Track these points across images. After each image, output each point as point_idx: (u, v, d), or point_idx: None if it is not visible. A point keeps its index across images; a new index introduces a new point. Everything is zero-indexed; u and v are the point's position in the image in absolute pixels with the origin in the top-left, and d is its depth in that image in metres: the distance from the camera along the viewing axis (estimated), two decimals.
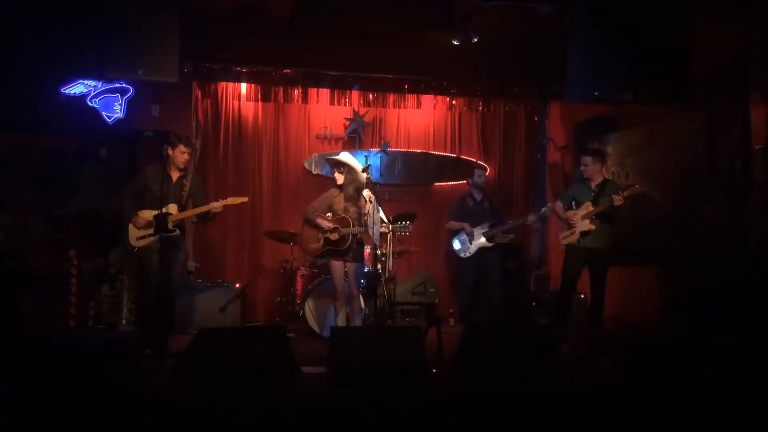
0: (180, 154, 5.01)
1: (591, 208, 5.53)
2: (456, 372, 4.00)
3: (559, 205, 5.88)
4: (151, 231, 4.88)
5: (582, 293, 6.30)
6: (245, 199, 5.29)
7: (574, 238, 5.57)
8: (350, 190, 5.37)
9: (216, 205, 5.01)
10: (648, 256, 6.20)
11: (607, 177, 6.04)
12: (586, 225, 5.51)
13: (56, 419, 3.13)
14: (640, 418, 3.48)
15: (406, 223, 5.63)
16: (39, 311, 6.26)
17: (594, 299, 5.59)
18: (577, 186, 5.93)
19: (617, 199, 5.37)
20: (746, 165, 5.11)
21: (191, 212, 5.03)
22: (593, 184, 5.69)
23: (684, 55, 4.84)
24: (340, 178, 5.43)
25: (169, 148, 4.98)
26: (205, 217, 5.13)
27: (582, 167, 5.77)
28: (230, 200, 5.14)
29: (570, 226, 5.61)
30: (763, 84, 4.99)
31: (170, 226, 4.89)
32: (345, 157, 5.52)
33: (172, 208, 4.95)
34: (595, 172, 5.71)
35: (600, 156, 5.88)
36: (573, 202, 5.78)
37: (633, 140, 6.63)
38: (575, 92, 5.01)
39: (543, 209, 6.65)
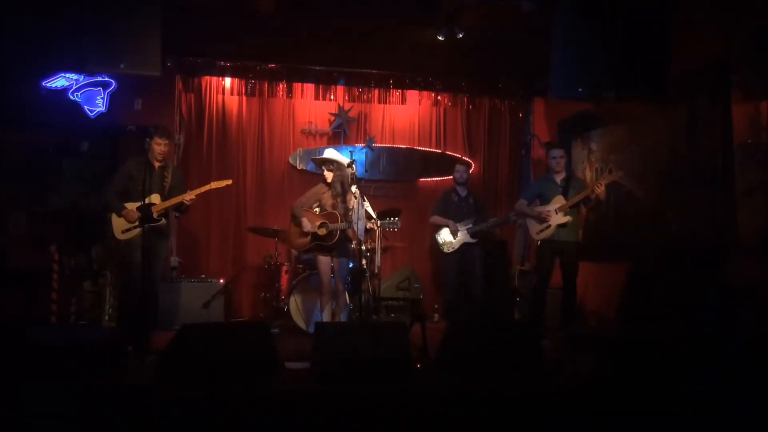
0: (156, 146, 5.06)
1: (564, 201, 5.57)
2: (440, 368, 4.01)
3: (523, 202, 5.87)
4: (137, 223, 4.89)
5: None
6: (229, 182, 5.38)
7: (550, 232, 5.59)
8: (338, 186, 5.36)
9: (194, 193, 5.06)
10: (630, 253, 6.25)
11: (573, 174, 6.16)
12: (561, 218, 5.55)
13: (36, 417, 3.10)
14: (621, 415, 3.51)
15: (394, 219, 5.62)
16: (20, 308, 6.18)
17: (566, 294, 5.59)
18: (541, 182, 5.98)
19: (599, 185, 5.44)
20: (727, 162, 5.17)
21: (174, 200, 5.05)
22: (558, 179, 5.73)
23: (666, 54, 4.87)
24: (329, 176, 5.41)
25: (149, 140, 5.02)
26: (180, 208, 5.14)
27: (555, 160, 5.76)
28: (213, 185, 5.21)
29: (542, 221, 5.62)
30: (744, 83, 5.05)
31: (155, 215, 4.94)
32: (332, 154, 5.50)
33: (155, 198, 5.02)
34: (564, 165, 5.79)
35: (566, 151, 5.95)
36: (538, 198, 5.79)
37: (615, 138, 6.67)
38: (559, 90, 5.02)
39: (510, 214, 6.65)
